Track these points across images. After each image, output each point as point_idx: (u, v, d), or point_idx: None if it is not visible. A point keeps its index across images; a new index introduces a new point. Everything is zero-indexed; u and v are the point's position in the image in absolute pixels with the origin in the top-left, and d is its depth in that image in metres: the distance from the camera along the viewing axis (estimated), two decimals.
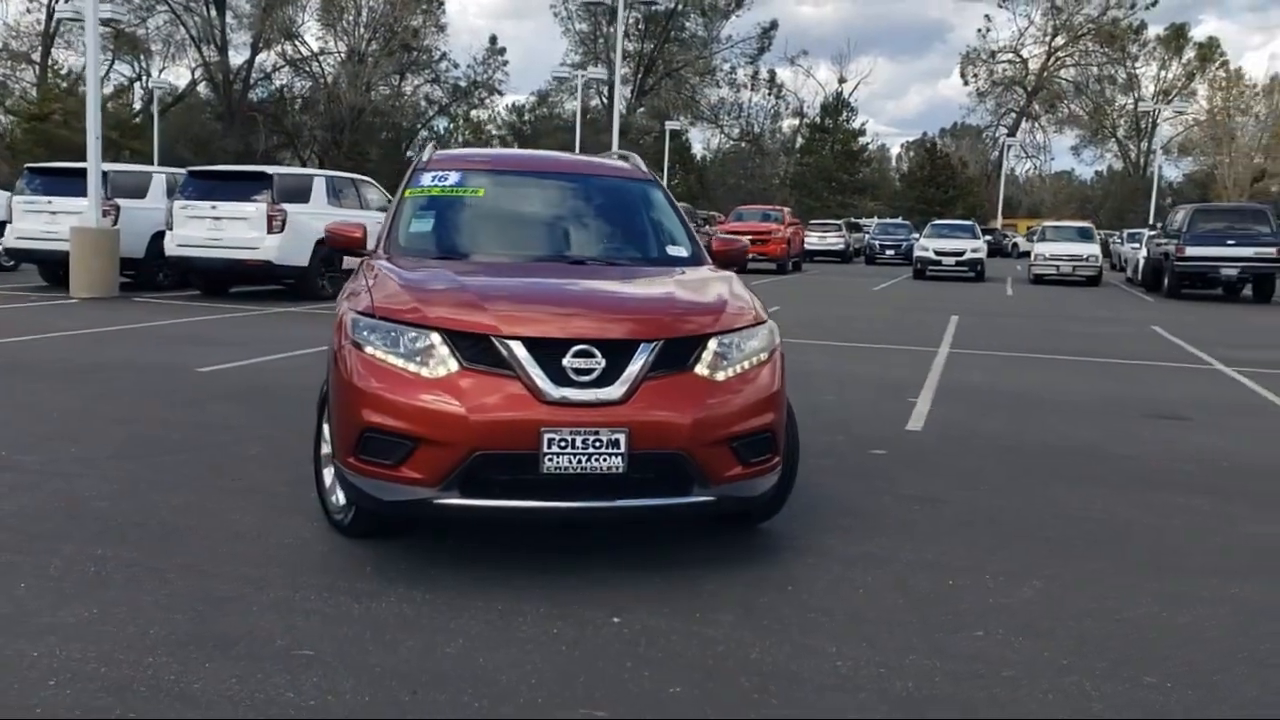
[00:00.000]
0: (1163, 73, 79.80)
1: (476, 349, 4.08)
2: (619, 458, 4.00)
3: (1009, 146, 71.59)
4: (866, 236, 42.60)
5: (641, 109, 65.07)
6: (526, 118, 68.81)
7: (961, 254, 29.28)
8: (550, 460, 3.97)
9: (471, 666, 3.41)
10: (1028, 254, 43.13)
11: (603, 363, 4.05)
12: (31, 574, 4.07)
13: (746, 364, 4.36)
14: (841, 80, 71.10)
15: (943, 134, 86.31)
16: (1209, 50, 79.46)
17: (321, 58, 61.59)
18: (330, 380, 4.44)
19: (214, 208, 14.96)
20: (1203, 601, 4.21)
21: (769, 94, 69.73)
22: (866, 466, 6.31)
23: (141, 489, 5.28)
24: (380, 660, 3.44)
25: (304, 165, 52.07)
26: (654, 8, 53.23)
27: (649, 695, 3.26)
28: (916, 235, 35.58)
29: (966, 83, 78.85)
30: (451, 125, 65.33)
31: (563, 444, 3.97)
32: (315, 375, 8.73)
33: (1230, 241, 22.74)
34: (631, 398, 4.05)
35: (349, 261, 15.80)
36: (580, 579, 4.22)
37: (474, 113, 66.57)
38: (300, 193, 15.56)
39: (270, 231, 14.81)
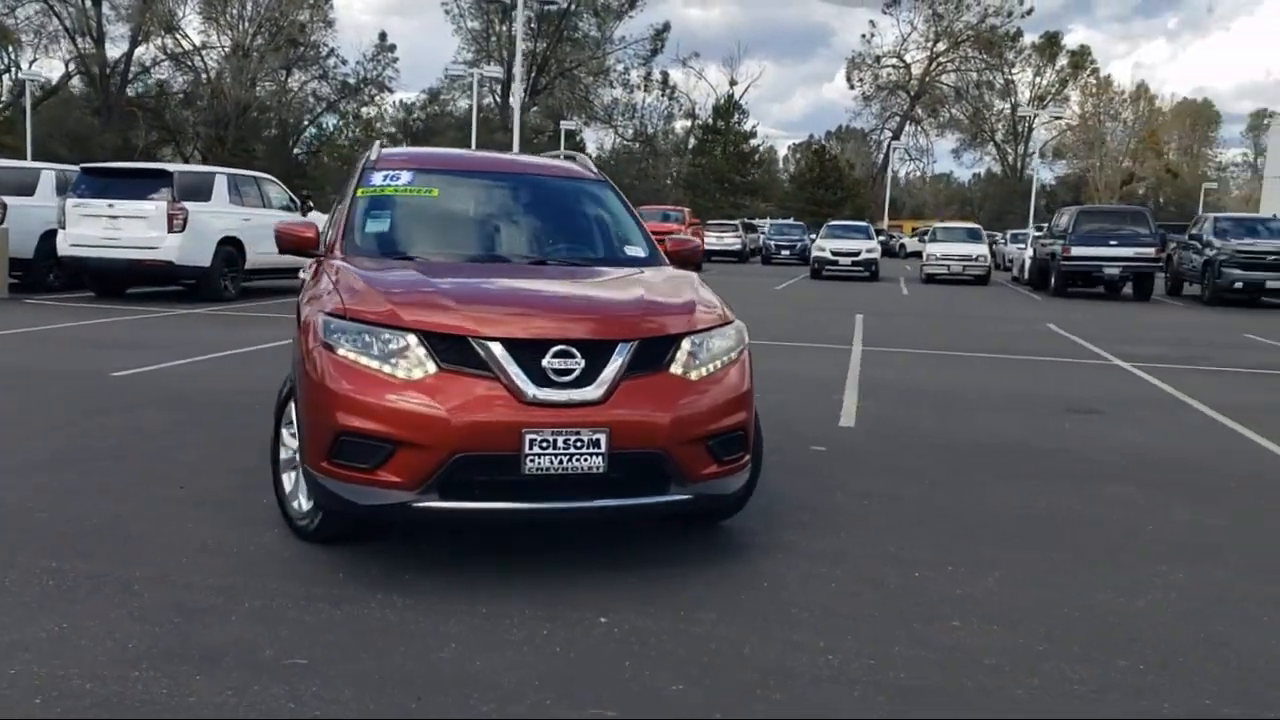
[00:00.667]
0: (1038, 79, 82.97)
1: (454, 350, 4.04)
2: (599, 457, 4.01)
3: (894, 149, 73.39)
4: (761, 237, 43.20)
5: (535, 108, 64.77)
6: (417, 115, 67.88)
7: (857, 254, 29.91)
8: (532, 461, 3.96)
9: (469, 670, 3.39)
10: (916, 254, 44.41)
11: (582, 363, 4.05)
12: (9, 590, 3.90)
13: (718, 363, 4.41)
14: (732, 83, 72.12)
15: (828, 136, 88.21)
16: (1080, 58, 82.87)
17: (204, 52, 59.81)
18: (297, 384, 4.34)
19: (111, 206, 14.39)
20: (1154, 588, 4.40)
21: (662, 95, 70.28)
22: (810, 463, 6.43)
23: (84, 499, 5.08)
24: (375, 667, 3.38)
25: (186, 162, 50.50)
26: (549, 7, 53.03)
27: (652, 694, 3.28)
28: (812, 236, 36.25)
29: (852, 86, 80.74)
30: (341, 123, 64.10)
31: (544, 444, 3.96)
32: (237, 379, 8.58)
33: (1113, 242, 23.77)
34: (610, 398, 4.06)
35: (256, 261, 15.50)
36: (559, 580, 4.21)
37: (364, 110, 65.38)
38: (201, 191, 15.09)
39: (171, 231, 14.31)
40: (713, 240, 38.47)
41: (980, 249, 29.54)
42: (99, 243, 14.38)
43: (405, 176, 5.43)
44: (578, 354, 4.06)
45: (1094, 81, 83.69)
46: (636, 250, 5.46)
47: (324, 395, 4.08)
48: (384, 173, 5.43)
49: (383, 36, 65.38)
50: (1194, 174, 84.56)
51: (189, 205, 14.55)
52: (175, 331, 12.00)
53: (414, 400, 3.96)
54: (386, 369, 4.03)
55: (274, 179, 17.79)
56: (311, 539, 4.50)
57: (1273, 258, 22.53)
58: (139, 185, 14.73)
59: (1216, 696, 3.40)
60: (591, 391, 4.05)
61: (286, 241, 5.22)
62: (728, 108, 68.82)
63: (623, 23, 67.29)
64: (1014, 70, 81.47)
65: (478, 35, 66.22)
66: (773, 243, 40.32)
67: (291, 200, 17.15)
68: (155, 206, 14.40)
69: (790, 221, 48.51)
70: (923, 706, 3.26)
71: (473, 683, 3.29)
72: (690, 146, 70.73)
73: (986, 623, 3.96)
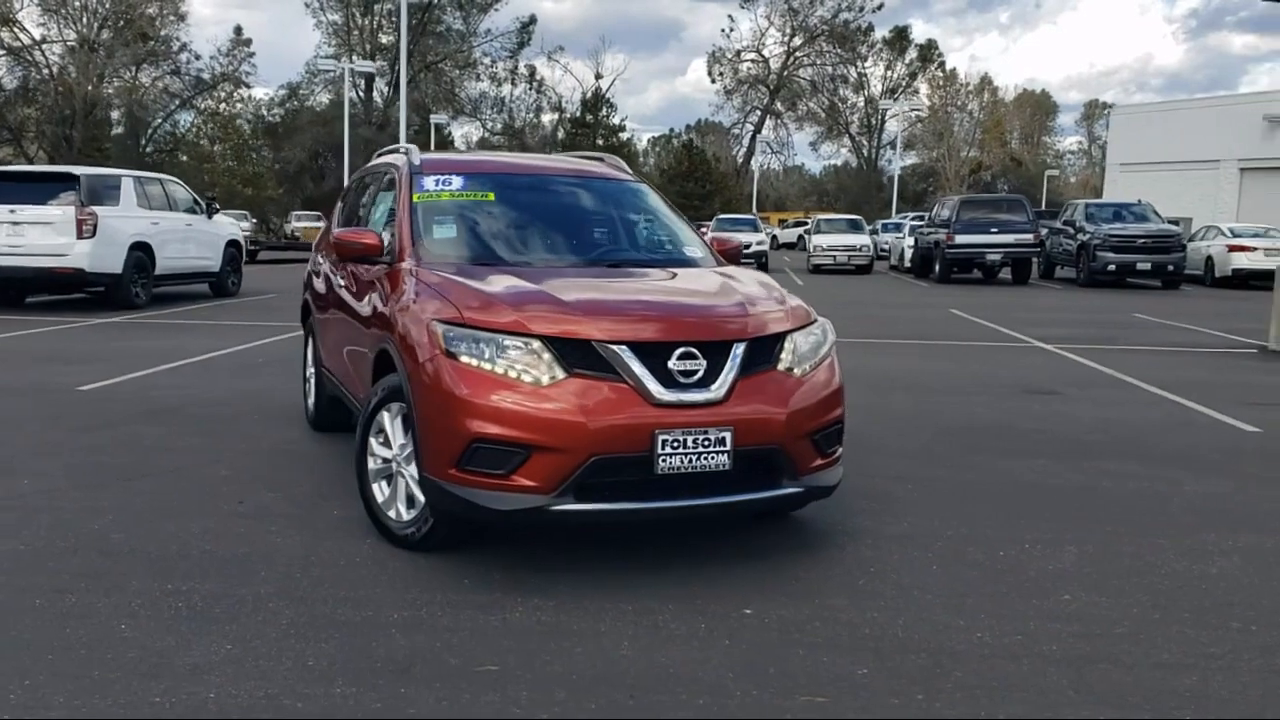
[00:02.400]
0: (889, 73, 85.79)
1: (579, 355, 4.08)
2: (725, 455, 4.12)
3: (758, 142, 74.85)
4: None
5: (399, 101, 63.48)
6: (275, 111, 65.82)
7: (749, 247, 30.47)
8: (663, 460, 4.03)
9: (657, 666, 3.45)
10: (788, 245, 45.47)
11: (704, 364, 4.15)
12: (121, 614, 3.76)
13: (815, 360, 4.56)
14: (598, 76, 72.31)
15: (688, 130, 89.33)
16: (928, 51, 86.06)
17: (45, 46, 56.64)
18: (412, 394, 4.27)
19: (12, 211, 13.62)
20: (1217, 553, 4.74)
21: (529, 89, 69.91)
22: None
23: (147, 519, 4.90)
24: (566, 668, 3.42)
25: (30, 161, 47.87)
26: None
27: (845, 679, 3.39)
28: (703, 229, 36.70)
29: (714, 80, 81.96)
30: (197, 119, 61.60)
31: (675, 444, 4.04)
32: (208, 389, 8.31)
33: (994, 230, 24.92)
34: (730, 397, 4.17)
35: (165, 266, 14.87)
36: (673, 575, 4.28)
37: (222, 106, 63.00)
38: (109, 194, 14.40)
39: (81, 237, 13.61)
40: None
41: (864, 239, 30.53)
42: (0, 250, 13.61)
43: (457, 181, 5.40)
44: (699, 355, 4.15)
45: (941, 75, 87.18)
46: (695, 250, 5.56)
47: (453, 403, 4.06)
48: (434, 178, 5.39)
49: (238, 30, 63.20)
50: (1036, 162, 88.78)
51: (98, 210, 13.90)
52: (110, 342, 11.48)
53: (550, 405, 3.99)
54: (517, 375, 4.04)
55: (179, 181, 17.13)
56: (416, 547, 4.46)
57: (1142, 241, 24.01)
58: (42, 189, 14.01)
59: None
60: (714, 391, 4.14)
61: (349, 251, 5.12)
62: (595, 101, 69.01)
63: (488, 16, 66.68)
64: (867, 64, 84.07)
65: (339, 29, 64.62)
66: None
67: (196, 203, 16.54)
68: (62, 211, 13.70)
69: None
70: (1097, 676, 3.47)
71: (671, 678, 3.36)
72: (559, 140, 70.58)
73: (1093, 594, 4.21)
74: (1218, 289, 24.93)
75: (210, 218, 16.57)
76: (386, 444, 4.62)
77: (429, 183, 5.36)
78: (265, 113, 64.40)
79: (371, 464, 4.69)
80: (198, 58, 60.61)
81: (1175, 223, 27.50)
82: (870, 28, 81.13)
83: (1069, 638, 3.76)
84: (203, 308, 15.42)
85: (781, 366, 4.39)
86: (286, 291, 18.90)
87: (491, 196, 5.42)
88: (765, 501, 4.39)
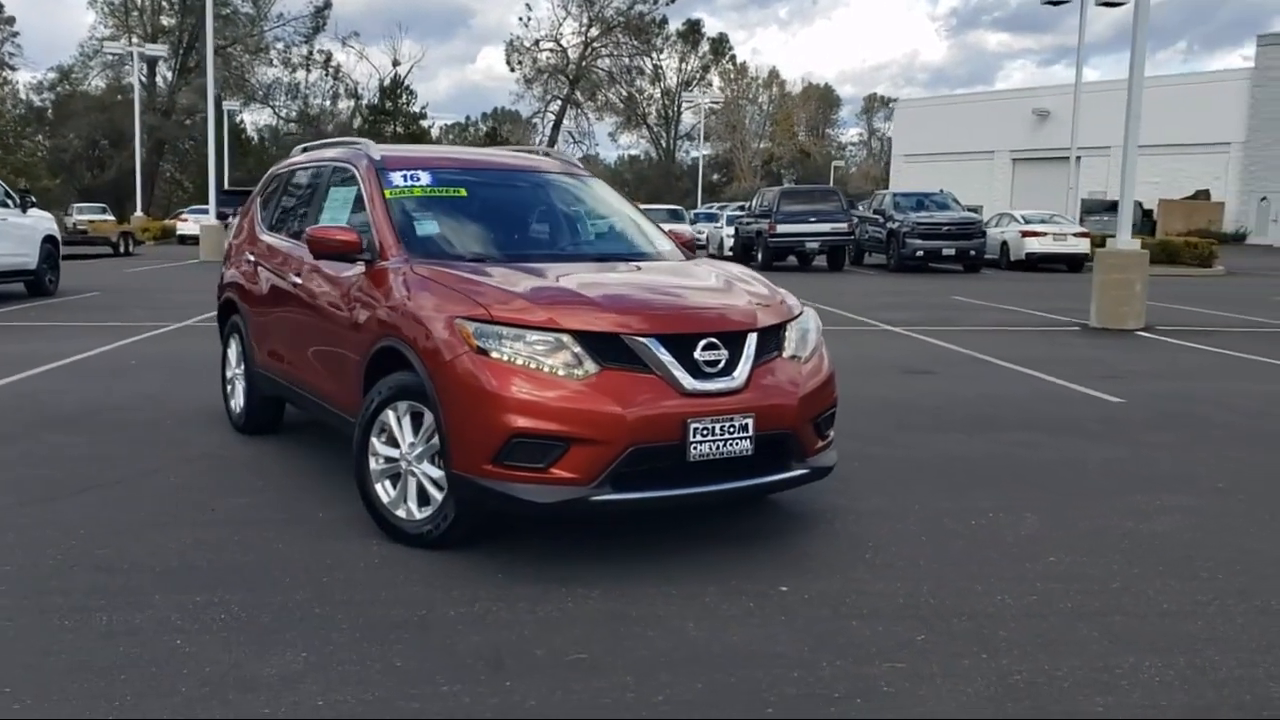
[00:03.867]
0: (684, 65, 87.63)
1: (609, 349, 4.16)
2: (748, 440, 4.29)
3: (560, 131, 75.04)
4: None
5: (186, 86, 60.47)
6: (45, 96, 61.41)
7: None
8: (695, 448, 4.17)
9: (733, 644, 3.58)
10: None
11: (725, 354, 4.31)
12: (166, 629, 3.59)
13: (812, 348, 4.79)
14: (395, 63, 70.69)
15: (484, 118, 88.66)
16: (720, 45, 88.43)
17: None
18: (440, 392, 4.22)
19: None
20: (1155, 513, 5.24)
21: (326, 75, 67.66)
22: None
23: (122, 532, 4.65)
24: (651, 651, 3.51)
25: None
26: None
27: (908, 644, 3.60)
28: None
29: (512, 69, 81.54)
30: None
31: (705, 432, 4.18)
32: (92, 395, 7.83)
33: (812, 219, 26.01)
34: (749, 384, 4.35)
35: None
36: (691, 560, 4.41)
37: None
38: None
39: None
40: None
41: (687, 229, 31.19)
42: None
43: (425, 177, 5.34)
44: (720, 345, 4.31)
45: (732, 68, 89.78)
46: (663, 243, 5.69)
47: (489, 400, 4.06)
48: (400, 173, 5.31)
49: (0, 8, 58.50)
50: (822, 153, 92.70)
51: None
52: None
53: (588, 398, 4.05)
54: (551, 370, 4.09)
55: None
56: (433, 545, 4.43)
57: (947, 228, 25.62)
58: None
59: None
60: (736, 380, 4.31)
61: (324, 247, 4.98)
62: (394, 88, 67.50)
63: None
64: (662, 56, 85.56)
65: (115, 9, 60.77)
66: None
67: (9, 195, 15.34)
68: None
69: None
70: (1119, 627, 3.82)
71: (755, 655, 3.49)
72: (357, 128, 68.68)
73: (1073, 555, 4.59)
74: (1013, 271, 26.86)
75: (25, 211, 15.42)
76: (391, 443, 4.56)
77: (396, 178, 5.28)
78: (35, 97, 60.00)
79: (374, 464, 4.62)
80: None
81: (974, 210, 29.43)
82: (664, 20, 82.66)
83: (1077, 595, 4.12)
84: (25, 309, 14.34)
85: (786, 354, 4.60)
86: (108, 290, 17.84)
87: (464, 192, 5.39)
88: (779, 484, 4.58)
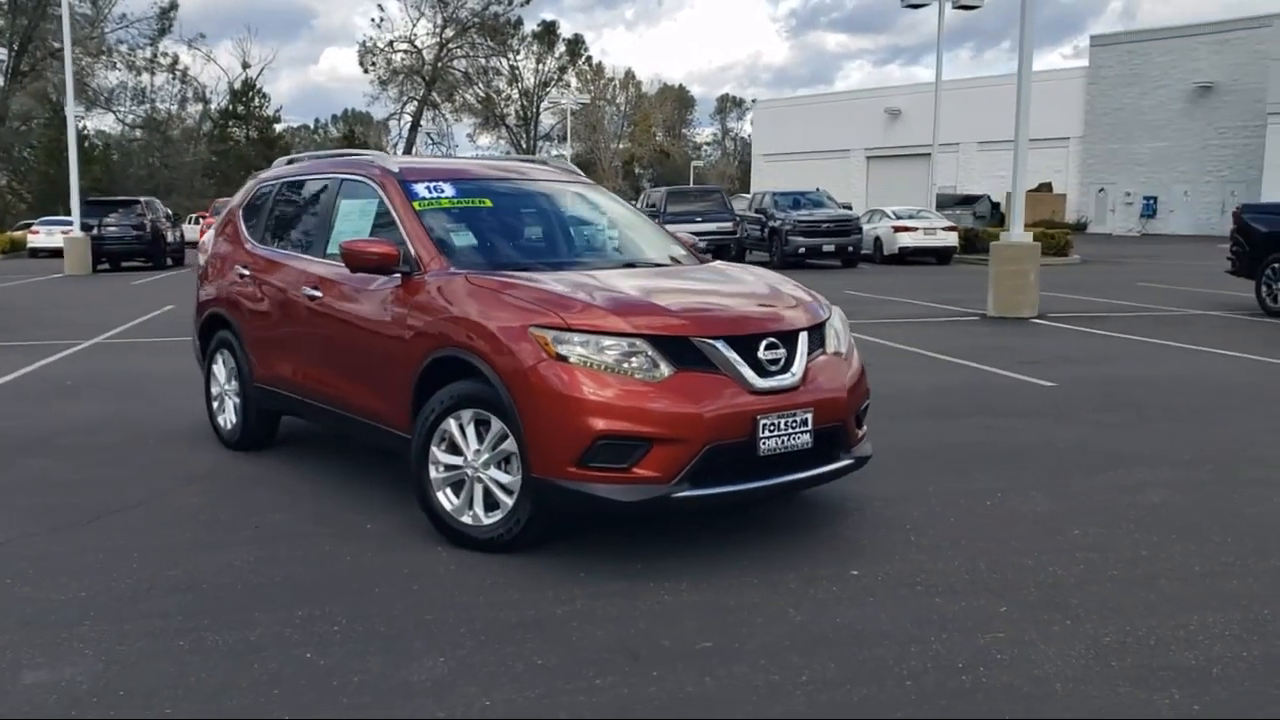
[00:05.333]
0: (540, 66, 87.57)
1: (681, 352, 4.32)
2: (808, 434, 4.51)
3: (419, 132, 74.03)
4: None
5: (21, 90, 57.31)
6: None
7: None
8: (764, 443, 4.37)
9: (841, 626, 3.79)
10: None
11: (784, 352, 4.53)
12: (289, 644, 3.59)
13: (848, 344, 5.05)
14: (245, 65, 68.41)
15: (334, 121, 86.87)
16: (576, 46, 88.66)
17: None
18: (518, 399, 4.29)
19: None
20: (1143, 486, 5.67)
21: (172, 78, 64.97)
22: None
23: (175, 554, 4.58)
24: (772, 636, 3.69)
25: None
26: None
27: (995, 615, 3.88)
28: None
29: (366, 70, 79.96)
30: None
31: (772, 428, 4.39)
32: (57, 418, 7.47)
33: (698, 219, 26.47)
34: (805, 380, 4.58)
35: None
36: (751, 552, 4.61)
37: None
38: None
39: None
40: None
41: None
42: None
43: (449, 188, 5.38)
44: (780, 344, 4.52)
45: (589, 69, 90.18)
46: (678, 247, 5.87)
47: (571, 405, 4.17)
48: (423, 185, 5.34)
49: None
50: (680, 153, 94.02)
51: None
52: None
53: (667, 399, 4.21)
54: (630, 373, 4.23)
55: None
56: (505, 549, 4.50)
57: (826, 225, 26.44)
58: None
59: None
60: (794, 376, 4.53)
61: (362, 260, 4.95)
62: (245, 91, 65.38)
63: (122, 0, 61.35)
64: (519, 57, 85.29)
65: None
66: None
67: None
68: None
69: None
70: (1172, 589, 4.18)
71: (865, 634, 3.71)
72: (205, 132, 66.27)
73: (1093, 527, 4.95)
74: (887, 265, 27.85)
75: None
76: (453, 451, 4.61)
77: (420, 190, 5.31)
78: None
79: (434, 473, 4.66)
80: None
81: (848, 207, 30.42)
82: (519, 21, 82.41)
83: (1120, 564, 4.48)
84: None
85: (829, 351, 4.84)
86: None
87: (489, 203, 5.45)
88: (831, 474, 4.80)
